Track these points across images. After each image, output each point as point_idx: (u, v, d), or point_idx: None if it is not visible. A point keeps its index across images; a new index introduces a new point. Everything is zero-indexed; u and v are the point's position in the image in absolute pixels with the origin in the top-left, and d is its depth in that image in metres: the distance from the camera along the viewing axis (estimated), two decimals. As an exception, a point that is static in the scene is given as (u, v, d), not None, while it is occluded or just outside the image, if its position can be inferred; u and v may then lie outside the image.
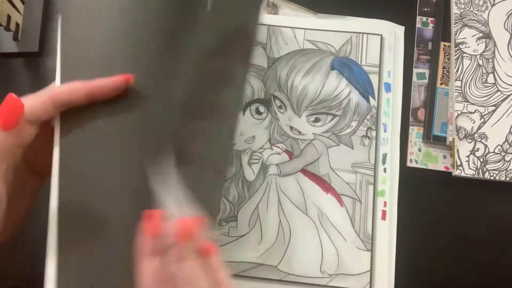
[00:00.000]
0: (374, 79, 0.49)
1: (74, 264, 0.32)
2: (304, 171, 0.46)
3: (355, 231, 0.45)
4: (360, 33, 0.50)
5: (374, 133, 0.47)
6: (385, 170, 0.47)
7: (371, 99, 0.48)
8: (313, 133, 0.47)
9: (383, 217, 0.45)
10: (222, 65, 0.37)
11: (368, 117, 0.48)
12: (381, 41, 0.50)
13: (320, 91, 0.48)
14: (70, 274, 0.32)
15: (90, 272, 0.32)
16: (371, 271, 0.44)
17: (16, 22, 0.51)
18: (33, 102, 0.31)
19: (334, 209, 0.46)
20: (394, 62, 0.50)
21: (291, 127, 0.47)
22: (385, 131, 0.48)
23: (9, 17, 0.50)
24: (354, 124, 0.48)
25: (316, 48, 0.50)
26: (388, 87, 0.49)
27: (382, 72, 0.49)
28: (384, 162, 0.47)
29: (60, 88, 0.33)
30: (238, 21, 0.38)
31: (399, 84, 0.50)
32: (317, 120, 0.47)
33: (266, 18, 0.51)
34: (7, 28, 0.50)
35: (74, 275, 0.32)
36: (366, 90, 0.48)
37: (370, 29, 0.50)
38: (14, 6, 0.51)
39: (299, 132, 0.47)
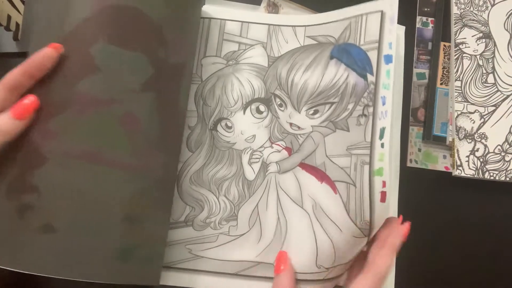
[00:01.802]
0: (373, 55, 0.45)
1: None
2: (302, 164, 0.46)
3: (351, 218, 0.41)
4: (359, 15, 0.47)
5: (371, 109, 0.43)
6: (382, 145, 0.41)
7: (369, 76, 0.44)
8: (311, 126, 0.46)
9: (382, 199, 0.40)
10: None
11: (365, 94, 0.44)
12: (381, 16, 0.45)
13: (319, 84, 0.47)
14: None
15: None
16: None
17: (16, 22, 0.51)
18: None
19: (328, 198, 0.43)
20: (394, 61, 0.46)
21: (291, 124, 0.47)
22: (383, 104, 0.43)
23: (9, 17, 0.50)
24: (350, 106, 0.44)
25: (316, 42, 0.49)
26: (388, 59, 0.44)
27: (382, 44, 0.45)
28: (381, 136, 0.42)
29: (5, 77, 0.35)
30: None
31: (400, 84, 0.49)
32: (315, 112, 0.46)
33: (266, 17, 0.51)
34: (7, 28, 0.50)
35: None
36: (364, 68, 0.45)
37: (370, 8, 0.46)
38: (14, 6, 0.51)
39: (299, 127, 0.47)
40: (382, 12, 0.45)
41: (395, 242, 0.37)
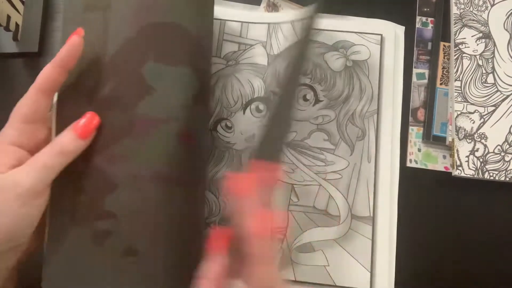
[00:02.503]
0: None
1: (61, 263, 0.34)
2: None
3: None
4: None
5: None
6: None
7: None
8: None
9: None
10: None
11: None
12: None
13: None
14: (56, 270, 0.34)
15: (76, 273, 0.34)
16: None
17: (16, 22, 0.51)
18: (26, 102, 0.34)
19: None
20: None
21: None
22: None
23: (9, 17, 0.50)
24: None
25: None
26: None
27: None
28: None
29: (37, 79, 0.34)
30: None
31: (400, 85, 0.50)
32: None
33: (266, 16, 0.51)
34: (7, 28, 0.50)
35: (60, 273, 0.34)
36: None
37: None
38: (14, 6, 0.50)
39: None
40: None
41: None
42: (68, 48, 0.35)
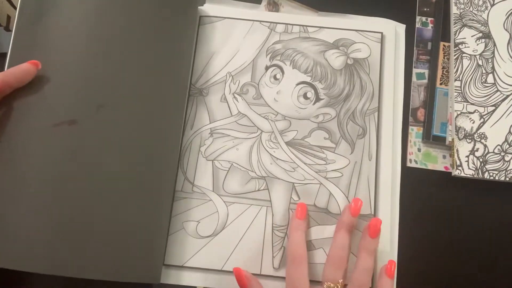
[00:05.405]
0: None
1: None
2: None
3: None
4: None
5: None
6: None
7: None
8: None
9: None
10: None
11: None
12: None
13: None
14: None
15: None
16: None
17: (16, 22, 0.51)
18: None
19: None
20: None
21: None
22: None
23: (9, 17, 0.50)
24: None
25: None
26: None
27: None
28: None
29: None
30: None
31: (401, 83, 0.50)
32: None
33: (266, 15, 0.51)
34: (7, 28, 0.50)
35: None
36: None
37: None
38: (14, 6, 0.51)
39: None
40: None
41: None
42: (20, 73, 0.39)
